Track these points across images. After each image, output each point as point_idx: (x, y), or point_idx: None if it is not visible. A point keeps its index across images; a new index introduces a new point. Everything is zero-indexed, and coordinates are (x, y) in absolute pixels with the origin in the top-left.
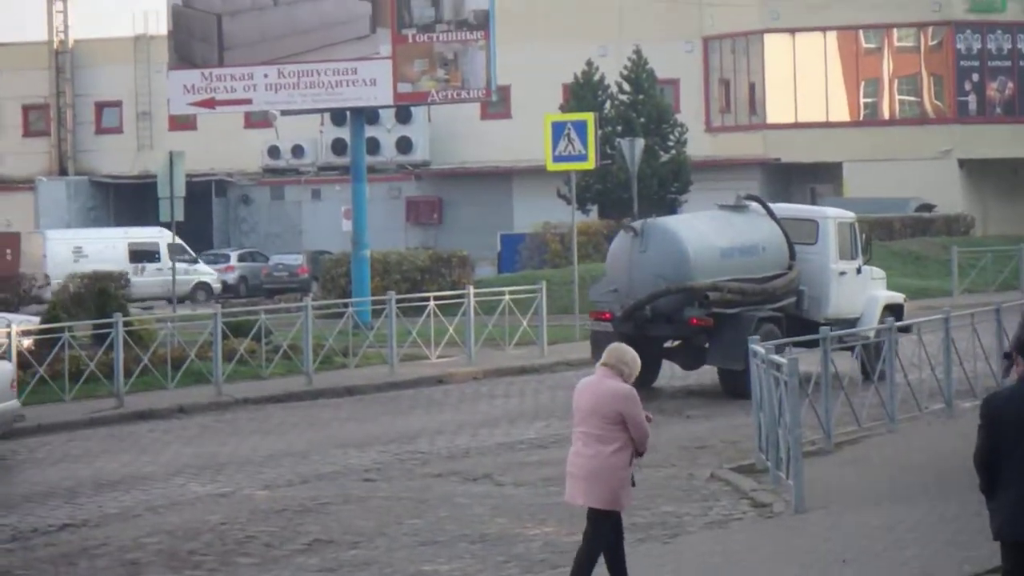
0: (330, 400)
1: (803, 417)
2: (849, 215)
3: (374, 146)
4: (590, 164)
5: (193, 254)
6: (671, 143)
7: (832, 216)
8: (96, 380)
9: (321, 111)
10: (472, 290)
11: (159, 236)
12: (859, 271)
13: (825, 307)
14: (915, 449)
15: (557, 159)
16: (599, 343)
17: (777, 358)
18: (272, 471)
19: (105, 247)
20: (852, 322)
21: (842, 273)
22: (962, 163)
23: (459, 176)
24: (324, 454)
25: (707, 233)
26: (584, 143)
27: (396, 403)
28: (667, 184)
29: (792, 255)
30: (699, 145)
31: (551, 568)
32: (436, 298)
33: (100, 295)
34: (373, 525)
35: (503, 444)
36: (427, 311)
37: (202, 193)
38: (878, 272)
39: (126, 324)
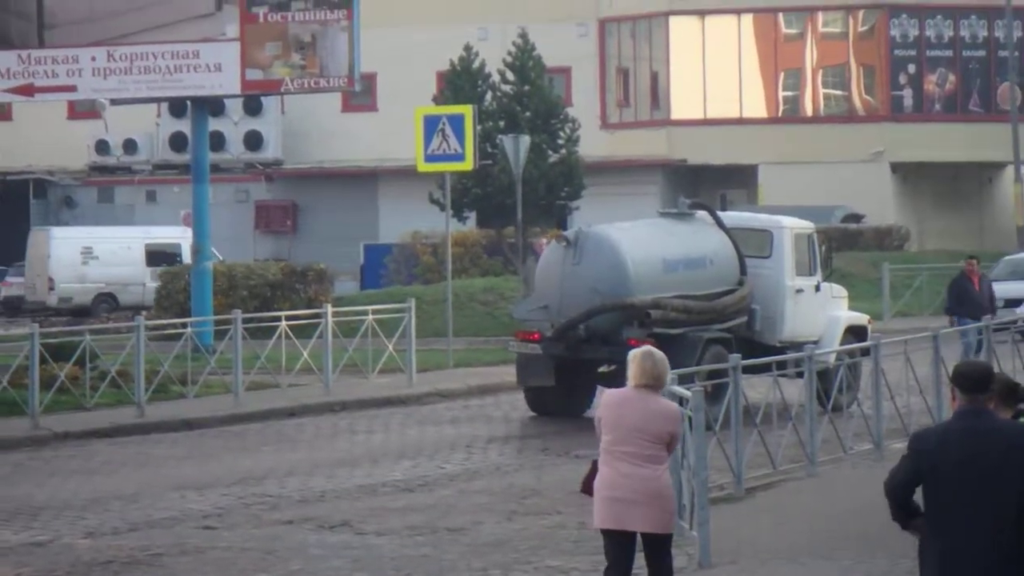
0: (165, 435)
1: (710, 459)
2: (807, 225)
3: (219, 142)
4: (468, 165)
5: None
6: (561, 141)
7: (788, 226)
8: None
9: (157, 100)
10: (330, 309)
11: (182, 236)
12: (818, 288)
13: (780, 328)
14: (839, 496)
15: (430, 159)
16: (526, 368)
17: (679, 390)
18: (96, 517)
19: (119, 248)
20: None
21: (799, 290)
22: (895, 167)
23: (316, 177)
24: (157, 497)
25: (648, 243)
26: (461, 140)
27: (242, 439)
28: (556, 188)
29: (743, 269)
30: (594, 144)
31: None
32: (289, 318)
33: None
34: None
35: (364, 487)
36: (278, 332)
37: (18, 194)
38: (839, 290)
39: None
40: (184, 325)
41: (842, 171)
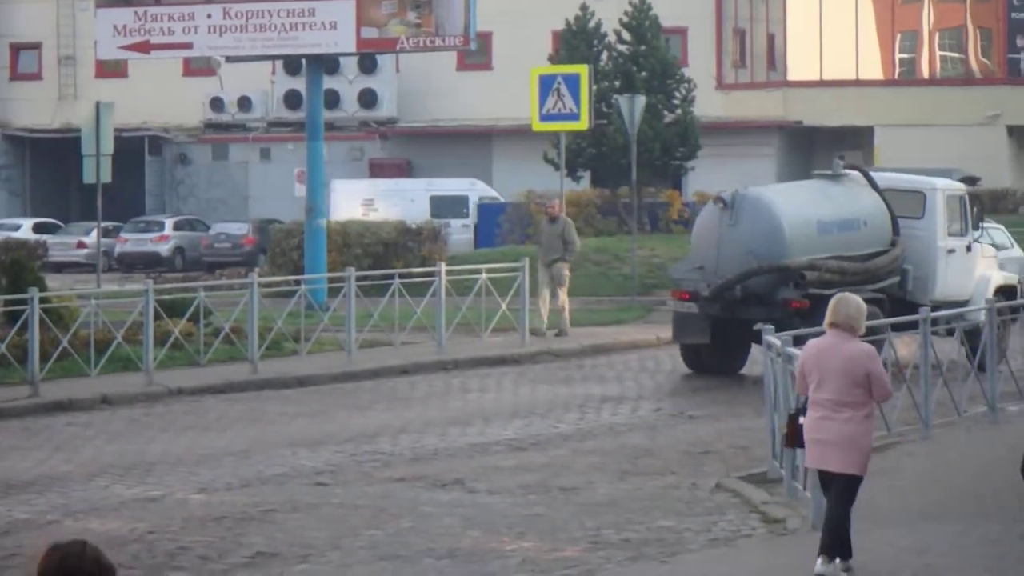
0: (278, 392)
1: None
2: (959, 187)
3: (333, 99)
4: (583, 124)
5: None
6: (677, 101)
7: (941, 188)
8: (7, 365)
9: (273, 58)
10: (444, 267)
11: (469, 189)
12: (969, 249)
13: (932, 288)
14: (951, 459)
15: (544, 118)
16: (682, 326)
17: (795, 351)
18: (209, 473)
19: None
20: (961, 305)
21: (951, 251)
22: (1011, 130)
23: (431, 136)
24: (269, 454)
25: (803, 205)
26: (576, 100)
27: (354, 396)
28: (672, 149)
29: (896, 230)
30: (709, 104)
31: None
32: (402, 276)
33: (13, 267)
34: (325, 536)
35: (476, 445)
36: (391, 290)
37: (133, 151)
38: (990, 250)
39: (43, 301)
40: (297, 283)
41: (958, 134)
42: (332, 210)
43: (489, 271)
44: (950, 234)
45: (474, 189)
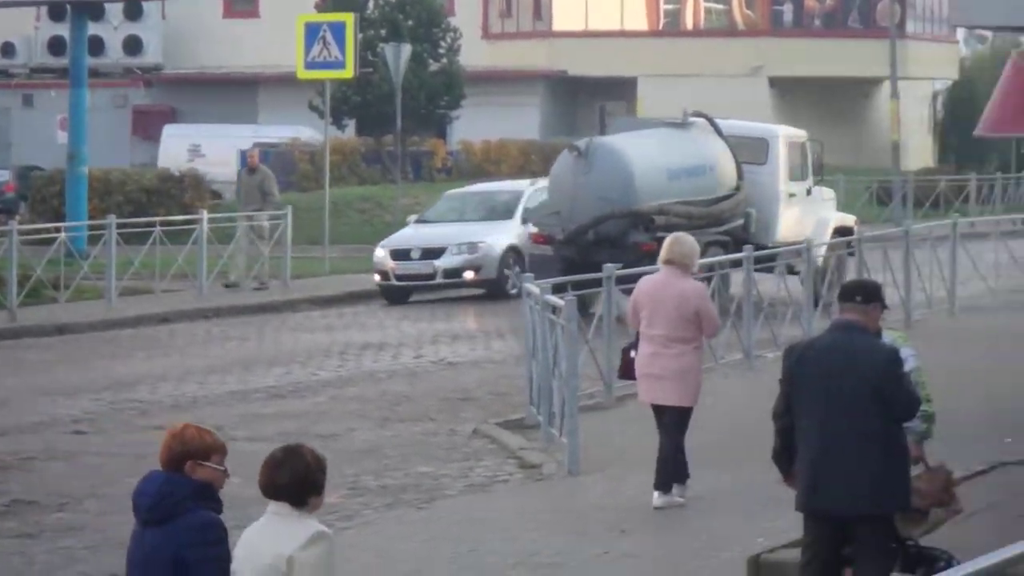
0: (37, 340)
1: (581, 366)
2: (800, 133)
3: (98, 46)
4: (348, 73)
5: None
6: (442, 51)
7: (783, 134)
8: None
9: (37, 4)
10: (206, 215)
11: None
12: (809, 192)
13: (774, 230)
14: (709, 405)
15: (310, 66)
16: (538, 269)
17: (553, 299)
18: None
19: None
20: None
21: (792, 195)
22: (774, 82)
23: (196, 83)
24: (28, 402)
25: (653, 153)
26: (342, 48)
27: (114, 344)
28: (437, 98)
29: (740, 175)
30: (475, 54)
31: None
32: (163, 224)
33: None
34: (83, 485)
35: (236, 393)
36: (152, 238)
37: None
38: (828, 193)
39: None
40: (58, 230)
41: (721, 85)
42: (161, 156)
43: (251, 218)
44: (791, 179)
45: (299, 135)
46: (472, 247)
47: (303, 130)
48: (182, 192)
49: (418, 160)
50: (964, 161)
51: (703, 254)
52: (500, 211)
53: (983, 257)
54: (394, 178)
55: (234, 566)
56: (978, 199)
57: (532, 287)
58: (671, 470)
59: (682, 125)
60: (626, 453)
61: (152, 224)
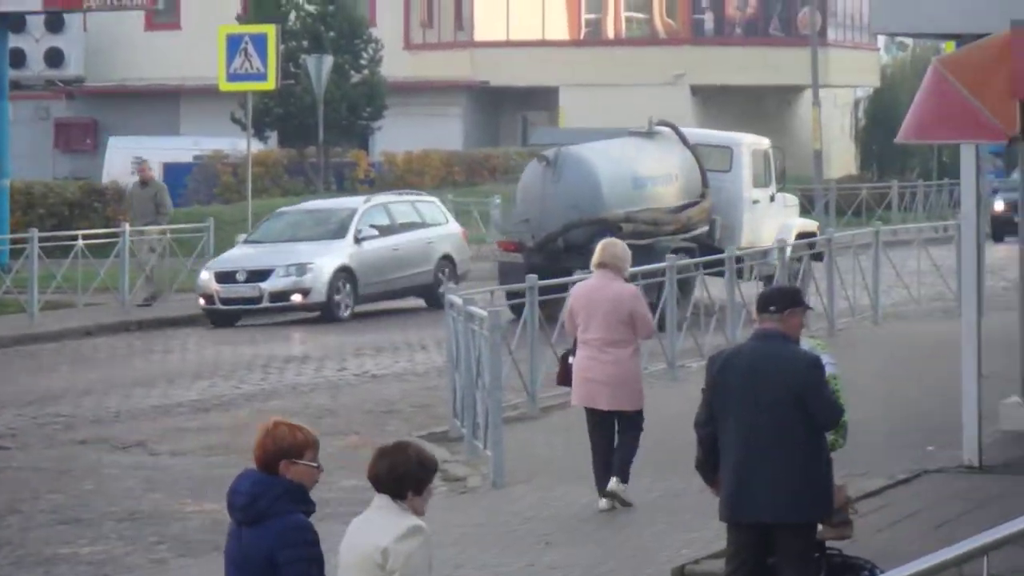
0: None
1: (505, 377)
2: (764, 141)
3: (19, 58)
4: (270, 84)
5: None
6: (364, 62)
7: (747, 143)
8: None
9: None
10: (128, 228)
11: None
12: (772, 199)
13: (738, 236)
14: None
15: (232, 78)
16: (507, 275)
17: (476, 310)
18: None
19: None
20: (765, 252)
21: (755, 201)
22: (696, 90)
23: (118, 95)
24: None
25: (620, 162)
26: (264, 60)
27: (36, 358)
28: (359, 109)
29: (705, 183)
30: (397, 65)
31: (213, 550)
32: (86, 237)
33: None
34: (5, 500)
35: (159, 407)
36: (75, 252)
37: None
38: (791, 199)
39: None
40: None
41: (643, 94)
42: (106, 169)
43: (173, 231)
44: (755, 185)
45: (235, 146)
46: (300, 268)
47: (239, 142)
48: (105, 205)
49: (341, 171)
50: (886, 168)
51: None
52: (333, 230)
53: (906, 264)
54: (316, 189)
55: (340, 555)
56: (900, 206)
57: (455, 298)
58: (627, 462)
59: (648, 134)
60: (551, 464)
61: (75, 238)
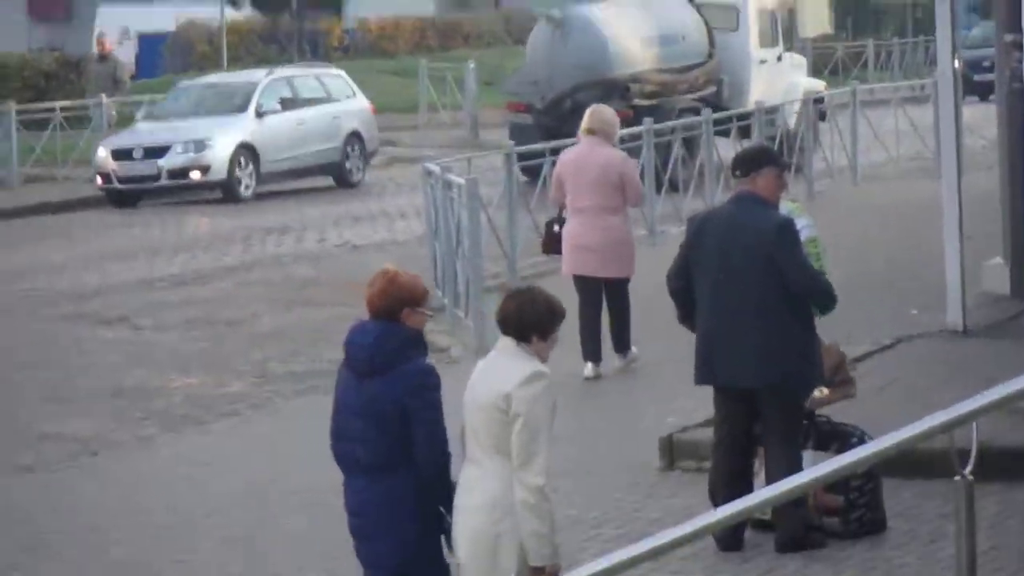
0: None
1: (485, 246)
2: (770, 0)
3: None
4: None
5: None
6: None
7: (753, 2)
8: None
9: None
10: (106, 99)
11: None
12: (779, 58)
13: (746, 96)
14: None
15: None
16: (517, 135)
17: (453, 178)
18: None
19: None
20: (773, 110)
21: (763, 61)
22: None
23: None
24: None
25: (627, 22)
26: None
27: (16, 232)
28: None
29: (712, 43)
30: None
31: (195, 424)
32: (64, 109)
33: None
34: None
35: (141, 281)
36: (53, 124)
37: None
38: (799, 59)
39: None
40: None
41: None
42: (96, 36)
43: (151, 102)
44: (762, 45)
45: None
46: (199, 144)
47: (227, 8)
48: (81, 77)
49: (315, 39)
50: (860, 28)
51: (677, 120)
52: (234, 105)
53: (883, 124)
54: (291, 57)
55: (465, 396)
56: (876, 65)
57: (432, 166)
58: (624, 332)
59: None
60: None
61: (52, 110)
